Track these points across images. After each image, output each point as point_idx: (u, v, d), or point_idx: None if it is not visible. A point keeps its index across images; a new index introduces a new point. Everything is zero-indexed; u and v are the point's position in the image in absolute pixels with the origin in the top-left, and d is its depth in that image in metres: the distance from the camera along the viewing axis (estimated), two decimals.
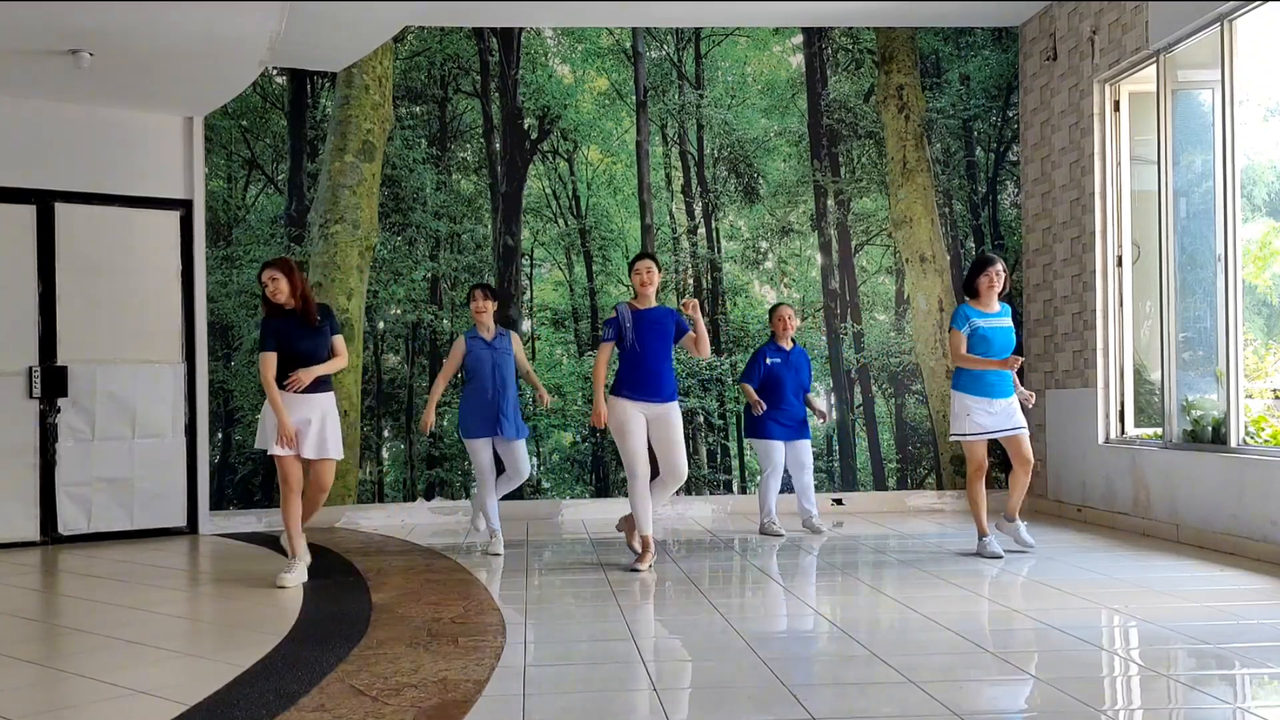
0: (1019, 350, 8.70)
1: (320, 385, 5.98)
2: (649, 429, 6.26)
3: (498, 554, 6.82)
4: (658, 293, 8.76)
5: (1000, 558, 6.38)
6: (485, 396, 6.81)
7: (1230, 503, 6.36)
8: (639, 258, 6.32)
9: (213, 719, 3.50)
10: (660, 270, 6.33)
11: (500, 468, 7.06)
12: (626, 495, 6.44)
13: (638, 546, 6.36)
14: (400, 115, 8.74)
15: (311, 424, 5.90)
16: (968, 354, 6.41)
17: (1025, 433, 6.48)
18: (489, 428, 6.81)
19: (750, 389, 7.58)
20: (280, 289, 5.87)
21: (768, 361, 7.59)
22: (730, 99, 8.98)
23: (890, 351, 8.91)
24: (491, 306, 6.96)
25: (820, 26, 8.98)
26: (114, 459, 7.89)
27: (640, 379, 6.21)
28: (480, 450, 6.86)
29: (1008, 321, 6.53)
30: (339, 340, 6.08)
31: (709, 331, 8.84)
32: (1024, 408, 6.50)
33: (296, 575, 5.87)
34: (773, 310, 7.77)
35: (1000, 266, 6.48)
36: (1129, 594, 5.24)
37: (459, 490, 8.60)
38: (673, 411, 6.27)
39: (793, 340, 7.73)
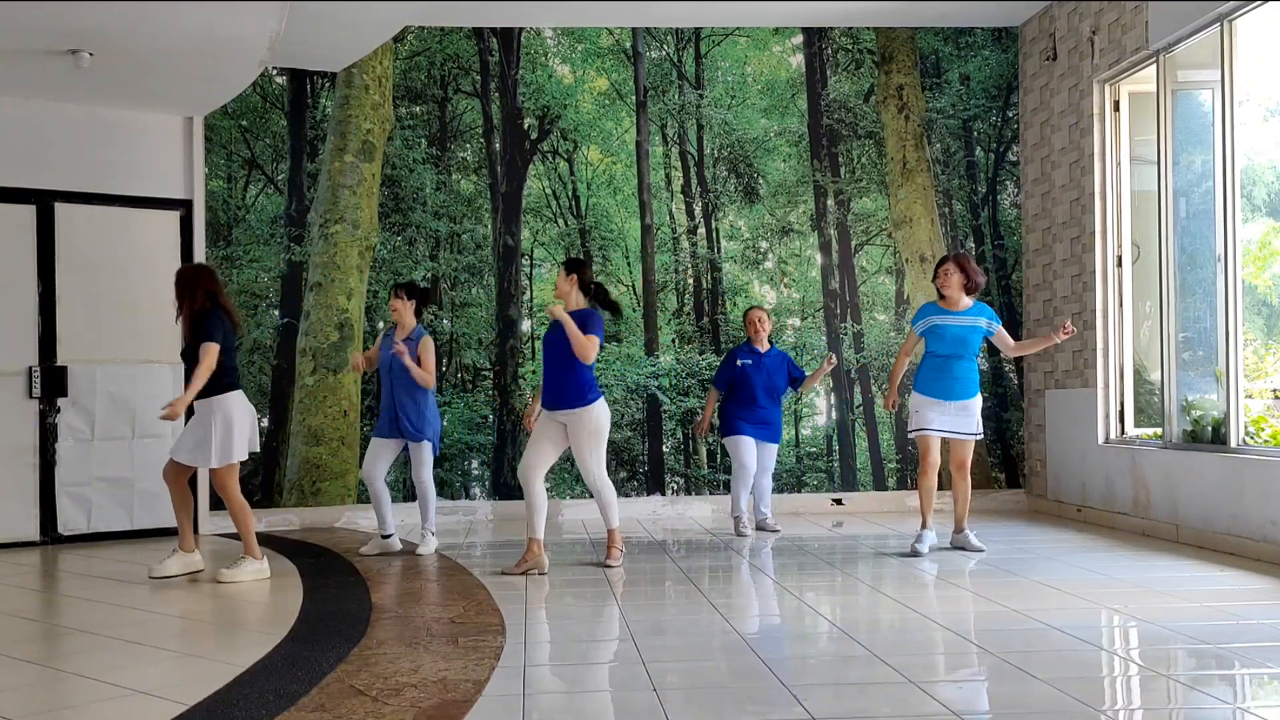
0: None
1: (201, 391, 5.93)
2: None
3: (370, 554, 6.87)
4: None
5: (920, 556, 6.44)
6: (387, 397, 6.83)
7: (1230, 503, 6.36)
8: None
9: (213, 719, 3.50)
10: (569, 275, 6.17)
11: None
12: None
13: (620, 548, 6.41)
14: (400, 115, 8.74)
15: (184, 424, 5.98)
16: (899, 361, 6.81)
17: (971, 440, 6.61)
18: (390, 428, 6.80)
19: (711, 402, 7.80)
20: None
21: (739, 363, 7.63)
22: (730, 99, 8.98)
23: (890, 351, 8.90)
24: (403, 307, 6.85)
25: (820, 26, 8.98)
26: (114, 459, 7.89)
27: (544, 387, 6.21)
28: (377, 450, 6.82)
29: (973, 320, 6.59)
30: (203, 346, 5.95)
31: (709, 329, 8.85)
32: (1059, 338, 6.48)
33: (167, 566, 6.10)
34: (745, 313, 7.84)
35: (950, 265, 6.59)
36: (1129, 594, 5.24)
37: (458, 490, 8.60)
38: (576, 418, 6.07)
39: (770, 342, 7.76)
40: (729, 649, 4.34)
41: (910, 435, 6.71)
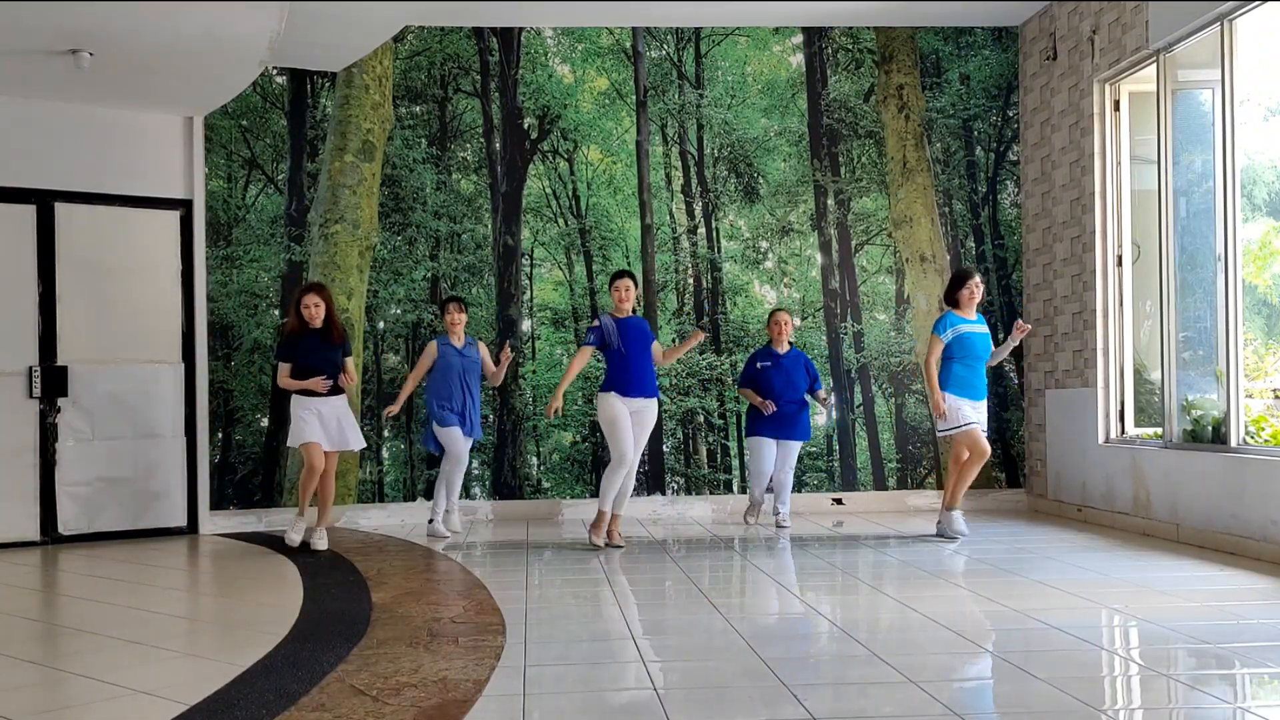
0: (1019, 349, 8.72)
1: (336, 389, 7.11)
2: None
3: (455, 530, 7.78)
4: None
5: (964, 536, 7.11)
6: (453, 399, 7.55)
7: (1230, 503, 6.36)
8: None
9: (213, 719, 3.51)
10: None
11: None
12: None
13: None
14: (400, 115, 8.74)
15: (327, 420, 7.04)
16: (932, 367, 7.17)
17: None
18: (460, 420, 7.58)
19: (749, 392, 7.92)
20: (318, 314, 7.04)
21: (758, 365, 7.91)
22: (730, 99, 8.97)
23: (890, 351, 8.91)
24: (463, 319, 7.64)
25: (820, 26, 8.98)
26: (114, 459, 7.89)
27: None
28: (457, 437, 7.56)
29: (984, 328, 7.28)
30: (351, 361, 7.26)
31: (709, 329, 8.85)
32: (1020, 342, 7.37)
33: (296, 534, 7.05)
34: (771, 314, 8.03)
35: (979, 279, 7.25)
36: (1129, 594, 5.25)
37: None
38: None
39: (790, 344, 7.94)
40: (729, 649, 4.34)
41: (950, 432, 7.16)
